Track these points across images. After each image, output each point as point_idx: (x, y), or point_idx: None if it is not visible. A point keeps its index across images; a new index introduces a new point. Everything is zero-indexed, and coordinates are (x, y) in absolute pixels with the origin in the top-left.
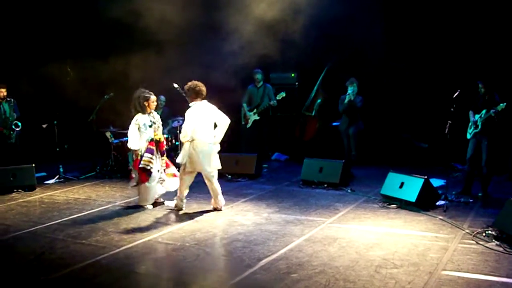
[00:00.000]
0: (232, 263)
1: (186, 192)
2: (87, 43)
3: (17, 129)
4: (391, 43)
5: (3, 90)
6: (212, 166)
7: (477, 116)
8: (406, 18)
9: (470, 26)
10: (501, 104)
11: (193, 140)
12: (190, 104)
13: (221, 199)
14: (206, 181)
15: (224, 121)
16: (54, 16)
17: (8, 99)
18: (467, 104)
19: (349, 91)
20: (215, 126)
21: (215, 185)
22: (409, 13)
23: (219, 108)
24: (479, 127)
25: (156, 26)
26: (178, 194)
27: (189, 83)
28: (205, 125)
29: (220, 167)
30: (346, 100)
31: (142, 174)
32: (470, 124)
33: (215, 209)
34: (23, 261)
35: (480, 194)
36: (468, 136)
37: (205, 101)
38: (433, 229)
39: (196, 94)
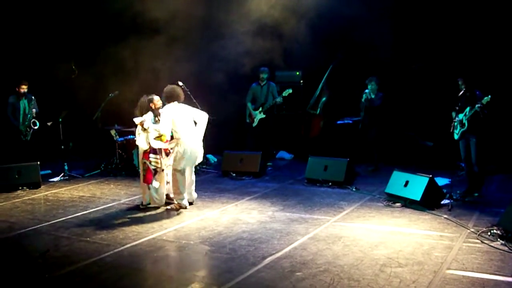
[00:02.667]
0: (237, 261)
1: (185, 189)
2: (91, 40)
3: (35, 127)
4: (398, 41)
5: (25, 86)
6: (196, 162)
7: (461, 115)
8: (412, 17)
9: (473, 25)
10: (486, 97)
11: (179, 138)
12: (164, 106)
13: (194, 193)
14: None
15: (203, 117)
16: (58, 14)
17: (28, 95)
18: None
19: (367, 90)
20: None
21: (193, 178)
22: (415, 12)
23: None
24: (466, 125)
25: (160, 24)
26: (177, 195)
27: (166, 88)
28: (188, 124)
29: (200, 160)
30: (363, 99)
31: (149, 175)
32: (455, 124)
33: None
34: (27, 258)
35: (476, 194)
36: (456, 137)
37: (176, 103)
38: (438, 228)
39: (172, 98)
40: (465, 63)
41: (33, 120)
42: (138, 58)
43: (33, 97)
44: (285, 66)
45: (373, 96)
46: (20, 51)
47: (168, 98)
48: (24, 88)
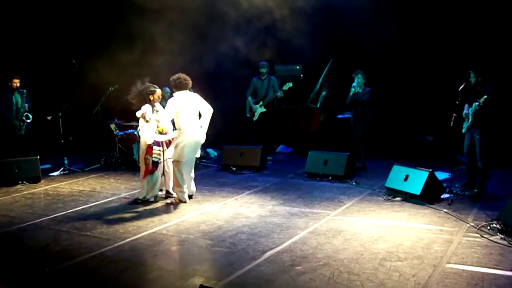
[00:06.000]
0: (237, 255)
1: (185, 182)
2: (90, 34)
3: (28, 121)
4: (399, 35)
5: (17, 81)
6: (197, 154)
7: (470, 109)
8: (414, 10)
9: (475, 19)
10: (482, 98)
11: (181, 130)
12: (173, 94)
13: (193, 186)
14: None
15: (208, 110)
16: (58, 7)
17: (21, 90)
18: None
19: (354, 83)
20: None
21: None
22: (417, 5)
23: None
24: (470, 120)
25: (160, 16)
26: (177, 187)
27: (174, 76)
28: (192, 115)
29: (198, 155)
30: (350, 93)
31: (152, 166)
32: (464, 117)
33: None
34: (28, 253)
35: (475, 190)
36: (463, 130)
37: (187, 91)
38: (437, 222)
39: (180, 87)
40: (466, 58)
41: (26, 113)
42: (137, 51)
43: (25, 91)
44: (285, 60)
45: (359, 90)
46: (19, 46)
47: (177, 87)
48: (16, 83)
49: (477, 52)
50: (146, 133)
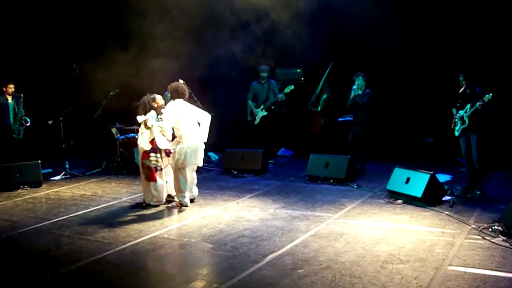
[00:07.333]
0: (238, 258)
1: (187, 187)
2: (91, 39)
3: (27, 124)
4: (400, 37)
5: (12, 86)
6: (197, 160)
7: (462, 112)
8: (414, 12)
9: (475, 21)
10: (487, 95)
11: (182, 136)
12: (170, 102)
13: (195, 189)
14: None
15: (206, 118)
16: (59, 11)
17: (16, 94)
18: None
19: (355, 86)
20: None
21: (194, 176)
22: (417, 8)
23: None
24: (467, 122)
25: (160, 20)
26: (179, 193)
27: (172, 84)
28: (191, 121)
29: (202, 164)
30: (351, 96)
31: (153, 173)
32: (456, 121)
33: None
34: (29, 257)
35: (478, 192)
36: (456, 134)
37: (181, 100)
38: (439, 225)
39: (176, 95)
40: (466, 59)
41: (24, 117)
42: (138, 55)
43: (21, 95)
44: (286, 63)
45: (359, 92)
46: (19, 50)
47: (173, 95)
48: (11, 88)
49: (477, 53)
50: (145, 140)
